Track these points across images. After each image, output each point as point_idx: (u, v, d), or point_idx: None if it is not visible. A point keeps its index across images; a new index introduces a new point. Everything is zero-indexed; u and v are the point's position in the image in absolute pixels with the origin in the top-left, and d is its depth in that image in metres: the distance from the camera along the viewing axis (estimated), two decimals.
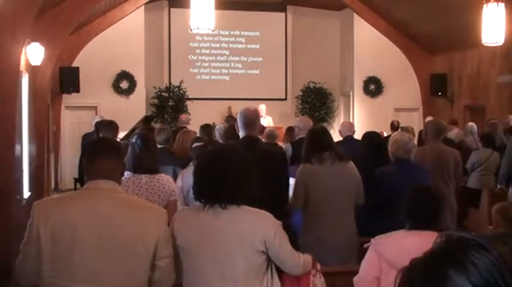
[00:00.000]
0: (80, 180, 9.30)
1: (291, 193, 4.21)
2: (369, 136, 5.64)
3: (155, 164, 3.91)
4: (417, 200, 2.89)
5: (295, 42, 14.69)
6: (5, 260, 4.81)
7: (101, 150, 2.50)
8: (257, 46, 14.57)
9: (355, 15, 13.52)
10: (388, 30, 13.40)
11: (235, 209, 2.46)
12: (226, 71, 14.50)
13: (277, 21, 14.61)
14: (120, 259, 2.32)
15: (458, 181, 5.71)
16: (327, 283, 2.81)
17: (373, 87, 14.09)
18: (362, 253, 3.21)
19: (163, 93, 13.51)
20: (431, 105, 13.60)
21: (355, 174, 4.29)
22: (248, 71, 14.57)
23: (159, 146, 5.09)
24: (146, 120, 10.38)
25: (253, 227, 2.46)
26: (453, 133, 9.75)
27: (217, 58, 14.44)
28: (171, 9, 13.94)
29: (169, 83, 13.71)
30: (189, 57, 14.18)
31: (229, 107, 13.50)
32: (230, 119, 8.42)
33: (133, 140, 3.93)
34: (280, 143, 7.35)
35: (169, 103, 13.36)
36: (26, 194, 7.61)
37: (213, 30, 8.04)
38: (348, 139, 6.75)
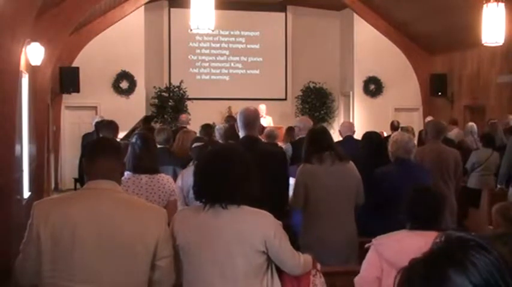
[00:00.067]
0: (80, 180, 9.30)
1: (291, 193, 4.21)
2: (369, 136, 5.64)
3: (155, 164, 3.91)
4: (418, 200, 2.89)
5: (295, 42, 14.69)
6: (5, 260, 4.81)
7: (101, 150, 2.50)
8: (257, 46, 14.57)
9: (355, 15, 13.52)
10: (388, 30, 13.40)
11: (235, 209, 2.46)
12: (226, 71, 14.51)
13: (277, 21, 14.61)
14: (120, 259, 2.32)
15: (458, 181, 5.71)
16: (327, 283, 2.81)
17: (373, 87, 14.09)
18: (362, 253, 3.21)
19: (163, 93, 13.51)
20: (431, 105, 13.60)
21: (355, 174, 4.29)
22: (248, 71, 14.57)
23: (159, 146, 5.09)
24: (146, 120, 10.38)
25: (254, 227, 2.46)
26: (453, 133, 9.75)
27: (217, 58, 14.44)
28: (171, 9, 13.94)
29: (169, 83, 13.71)
30: (189, 57, 14.18)
31: (229, 107, 13.50)
32: (230, 119, 8.42)
33: (133, 140, 3.93)
34: (280, 143, 7.35)
35: (169, 103, 13.37)
36: (26, 194, 7.61)
37: (213, 30, 8.04)
38: (348, 139, 6.75)
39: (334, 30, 14.83)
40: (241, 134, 4.03)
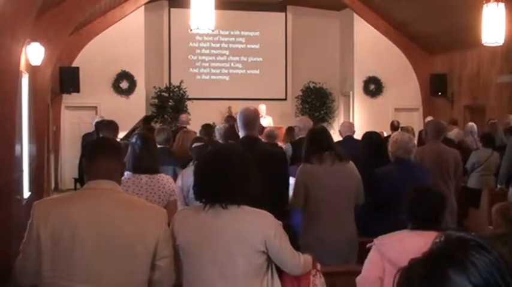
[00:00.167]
0: (80, 180, 9.30)
1: (291, 192, 4.21)
2: (369, 136, 5.64)
3: (155, 164, 3.91)
4: (418, 200, 2.89)
5: (295, 42, 14.69)
6: (5, 260, 4.81)
7: (101, 150, 2.50)
8: (257, 46, 14.57)
9: (355, 15, 13.52)
10: (388, 30, 13.40)
11: (235, 209, 2.46)
12: (226, 71, 14.51)
13: (277, 21, 14.61)
14: (120, 259, 2.32)
15: (458, 181, 5.71)
16: (327, 283, 2.81)
17: (373, 87, 14.09)
18: (362, 252, 3.21)
19: (163, 93, 13.51)
20: (431, 105, 13.60)
21: (355, 174, 4.29)
22: (248, 71, 14.57)
23: (159, 146, 5.09)
24: (146, 120, 10.38)
25: (254, 227, 2.46)
26: (453, 133, 9.75)
27: (217, 58, 14.44)
28: (171, 9, 13.94)
29: (169, 83, 13.71)
30: (189, 57, 14.18)
31: (229, 107, 13.50)
32: (230, 119, 8.42)
33: (133, 140, 3.93)
34: (280, 143, 7.35)
35: (169, 103, 13.37)
36: (26, 194, 7.61)
37: (213, 30, 8.04)
38: (348, 139, 6.75)
39: (334, 30, 14.83)
40: (241, 134, 4.03)
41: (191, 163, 4.62)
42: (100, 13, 11.99)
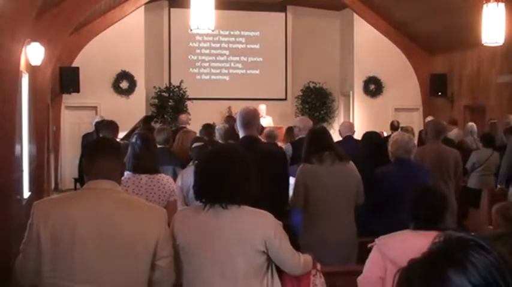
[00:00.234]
0: (80, 180, 9.30)
1: (291, 192, 4.21)
2: (369, 136, 5.65)
3: (155, 164, 3.91)
4: (419, 200, 2.89)
5: (295, 42, 14.69)
6: (5, 260, 4.80)
7: (101, 150, 2.50)
8: (257, 46, 14.57)
9: (355, 15, 13.52)
10: (388, 30, 13.40)
11: (235, 209, 2.46)
12: (226, 71, 14.50)
13: (277, 21, 14.61)
14: (120, 259, 2.32)
15: (458, 181, 5.71)
16: (327, 283, 2.81)
17: (373, 87, 14.09)
18: (362, 253, 3.21)
19: (163, 93, 13.51)
20: (431, 105, 13.60)
21: (355, 174, 4.29)
22: (248, 71, 14.57)
23: (159, 146, 5.09)
24: (146, 120, 10.37)
25: (254, 227, 2.46)
26: (453, 133, 9.75)
27: (217, 58, 14.44)
28: (171, 9, 13.94)
29: (169, 83, 13.71)
30: (189, 57, 14.18)
31: (229, 107, 13.50)
32: (230, 119, 8.41)
33: (133, 140, 3.93)
34: (280, 143, 7.34)
35: (169, 103, 13.36)
36: (26, 194, 7.61)
37: (213, 30, 8.04)
38: (348, 139, 6.75)
39: (334, 30, 14.83)
40: (240, 134, 4.03)
41: (191, 163, 4.62)
42: (100, 13, 11.99)
